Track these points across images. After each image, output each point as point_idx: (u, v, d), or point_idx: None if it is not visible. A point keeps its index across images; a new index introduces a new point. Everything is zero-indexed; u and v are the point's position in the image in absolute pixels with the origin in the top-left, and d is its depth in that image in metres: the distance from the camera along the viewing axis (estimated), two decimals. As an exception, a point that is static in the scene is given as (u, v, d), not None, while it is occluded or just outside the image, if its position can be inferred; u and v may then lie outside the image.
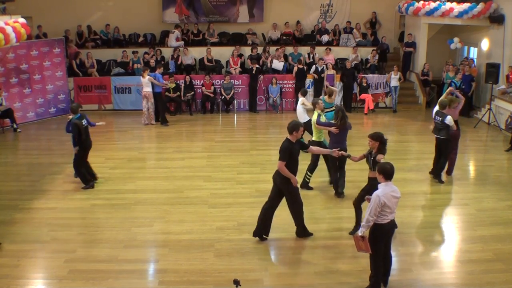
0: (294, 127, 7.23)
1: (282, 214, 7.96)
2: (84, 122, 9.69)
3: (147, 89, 14.42)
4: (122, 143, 13.13)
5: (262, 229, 7.59)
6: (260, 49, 17.49)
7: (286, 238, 7.72)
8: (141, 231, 8.00)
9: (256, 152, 12.20)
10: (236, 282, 5.28)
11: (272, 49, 17.61)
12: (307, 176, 9.57)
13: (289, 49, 17.79)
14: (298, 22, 18.81)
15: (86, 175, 9.84)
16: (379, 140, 7.13)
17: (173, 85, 15.97)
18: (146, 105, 14.54)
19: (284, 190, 7.37)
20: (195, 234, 7.87)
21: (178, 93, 16.12)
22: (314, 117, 9.50)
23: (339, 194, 9.23)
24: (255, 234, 7.63)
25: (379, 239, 6.02)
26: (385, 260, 6.24)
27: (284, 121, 15.58)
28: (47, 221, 8.37)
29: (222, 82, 16.48)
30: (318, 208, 8.68)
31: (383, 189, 5.89)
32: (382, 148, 7.12)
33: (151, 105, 14.58)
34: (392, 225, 6.10)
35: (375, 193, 5.87)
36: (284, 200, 7.52)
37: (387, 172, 5.93)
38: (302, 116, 11.35)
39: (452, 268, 7.05)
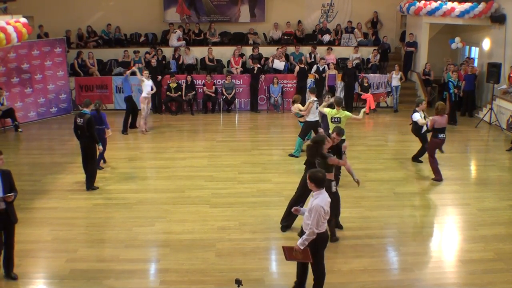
0: None
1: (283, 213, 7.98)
2: (79, 120, 9.53)
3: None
4: (123, 142, 13.13)
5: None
6: (261, 49, 17.47)
7: (287, 238, 7.70)
8: (142, 230, 8.01)
9: (258, 152, 12.20)
10: (238, 282, 5.28)
11: (273, 48, 17.64)
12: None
13: (291, 49, 17.80)
14: (299, 21, 18.80)
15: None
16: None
17: (174, 85, 15.99)
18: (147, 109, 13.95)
19: None
20: (196, 234, 7.87)
21: (180, 92, 16.13)
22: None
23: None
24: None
25: (321, 248, 5.85)
26: (305, 270, 6.13)
27: (285, 120, 15.61)
28: (49, 220, 8.38)
29: (224, 81, 16.49)
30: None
31: (322, 198, 5.63)
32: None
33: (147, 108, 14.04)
34: (327, 232, 5.88)
35: (318, 204, 5.56)
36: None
37: (320, 180, 5.63)
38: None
39: (453, 267, 7.05)
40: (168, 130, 14.32)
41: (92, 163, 9.78)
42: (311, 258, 5.72)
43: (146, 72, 14.02)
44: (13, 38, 11.31)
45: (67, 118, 14.87)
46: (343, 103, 9.76)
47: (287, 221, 7.91)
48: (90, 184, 9.75)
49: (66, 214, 8.66)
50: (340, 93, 16.83)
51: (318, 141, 7.20)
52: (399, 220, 8.42)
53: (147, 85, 13.77)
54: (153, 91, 14.07)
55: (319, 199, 5.61)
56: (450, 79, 15.32)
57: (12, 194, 6.33)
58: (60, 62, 16.03)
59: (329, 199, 5.75)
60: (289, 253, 5.78)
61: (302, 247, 5.63)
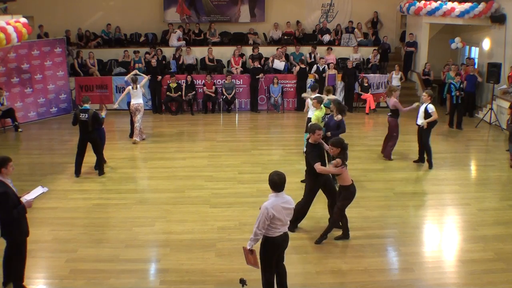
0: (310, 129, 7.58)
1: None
2: (83, 116, 10.03)
3: (139, 100, 12.57)
4: (123, 142, 13.12)
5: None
6: (261, 49, 17.46)
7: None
8: (142, 230, 8.01)
9: (258, 152, 12.20)
10: (243, 282, 5.27)
11: (273, 48, 17.66)
12: None
13: (291, 49, 17.81)
14: (298, 21, 18.82)
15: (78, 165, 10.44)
16: (339, 146, 7.09)
17: (174, 85, 16.00)
18: (140, 119, 12.66)
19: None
20: (196, 234, 7.87)
21: (180, 92, 16.13)
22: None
23: None
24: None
25: (270, 253, 5.66)
26: (279, 274, 5.98)
27: (285, 120, 15.61)
28: (49, 220, 8.38)
29: (224, 81, 16.49)
30: (319, 208, 8.66)
31: (273, 201, 5.50)
32: (342, 154, 7.10)
33: (140, 118, 12.68)
34: (284, 237, 5.69)
35: (264, 205, 5.46)
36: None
37: (275, 183, 5.54)
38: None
39: (453, 267, 7.04)
40: (168, 130, 14.32)
41: (99, 153, 10.46)
42: (258, 265, 5.59)
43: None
44: (13, 38, 11.33)
45: (67, 118, 14.84)
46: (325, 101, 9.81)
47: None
48: (101, 171, 10.52)
49: (66, 214, 8.65)
50: (340, 93, 16.84)
51: (341, 143, 7.16)
52: (399, 220, 8.42)
53: (140, 93, 12.65)
54: (138, 103, 12.57)
55: (269, 202, 5.51)
56: (452, 82, 15.27)
57: (32, 199, 6.36)
58: (60, 62, 16.03)
59: (284, 205, 5.55)
60: (246, 256, 5.64)
61: (248, 247, 5.53)
